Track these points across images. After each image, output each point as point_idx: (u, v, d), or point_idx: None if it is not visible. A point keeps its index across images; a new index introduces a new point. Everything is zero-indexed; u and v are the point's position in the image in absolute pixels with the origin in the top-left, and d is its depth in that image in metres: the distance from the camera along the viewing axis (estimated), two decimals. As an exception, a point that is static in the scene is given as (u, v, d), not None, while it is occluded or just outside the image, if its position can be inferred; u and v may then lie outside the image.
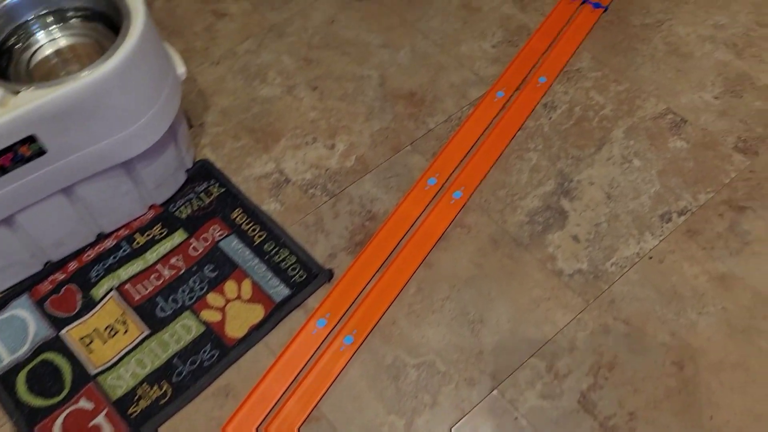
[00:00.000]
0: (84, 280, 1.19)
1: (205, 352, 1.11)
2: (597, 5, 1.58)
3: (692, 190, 1.28)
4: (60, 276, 1.19)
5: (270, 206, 1.29)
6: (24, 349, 1.12)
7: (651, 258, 1.21)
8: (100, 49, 1.13)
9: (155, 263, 1.21)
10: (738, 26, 1.53)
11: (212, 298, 1.17)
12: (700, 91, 1.43)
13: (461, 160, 1.34)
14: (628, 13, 1.58)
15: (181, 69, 1.21)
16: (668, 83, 1.45)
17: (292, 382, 1.09)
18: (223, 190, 1.30)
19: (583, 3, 1.60)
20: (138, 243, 1.23)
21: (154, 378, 1.09)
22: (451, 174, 1.32)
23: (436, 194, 1.30)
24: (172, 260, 1.22)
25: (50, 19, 1.15)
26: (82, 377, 1.09)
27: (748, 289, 1.16)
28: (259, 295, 1.17)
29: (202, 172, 1.33)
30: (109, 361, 1.11)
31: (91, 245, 1.23)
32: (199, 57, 1.52)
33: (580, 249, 1.22)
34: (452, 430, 1.05)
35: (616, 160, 1.33)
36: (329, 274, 1.20)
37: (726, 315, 1.14)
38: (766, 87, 1.43)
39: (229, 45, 1.54)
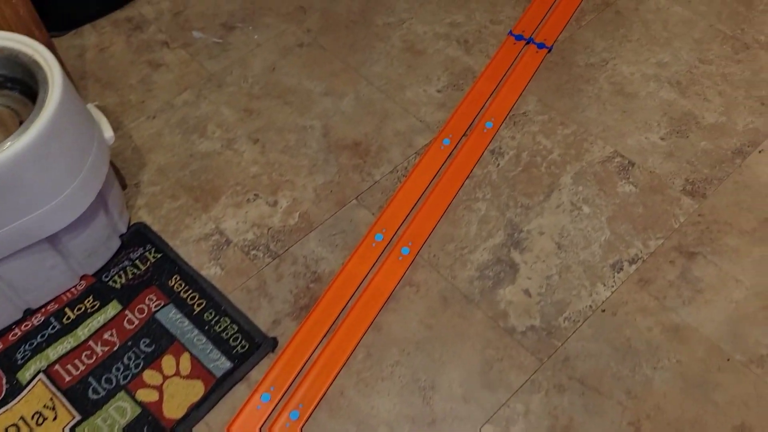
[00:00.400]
0: (9, 362, 1.11)
1: (140, 437, 1.05)
2: (541, 46, 1.57)
3: (642, 237, 1.27)
4: (-18, 360, 1.11)
5: (210, 271, 1.23)
6: (-58, 445, 1.04)
7: (604, 311, 1.18)
8: (17, 119, 1.06)
9: (87, 340, 1.14)
10: (681, 64, 1.53)
11: (149, 375, 1.11)
12: (647, 132, 1.42)
13: (408, 213, 1.30)
14: (572, 53, 1.56)
15: (108, 133, 1.15)
16: (615, 124, 1.43)
17: (234, 466, 1.03)
18: (159, 255, 1.24)
19: (527, 43, 1.58)
20: (68, 318, 1.16)
21: (85, 470, 1.02)
22: (398, 228, 1.28)
23: (384, 251, 1.26)
24: (106, 335, 1.15)
25: (-38, 87, 1.08)
26: (6, 473, 1.01)
27: (702, 341, 1.14)
28: (198, 370, 1.11)
29: (137, 237, 1.27)
30: (36, 453, 1.03)
31: (17, 323, 1.16)
32: (135, 111, 1.46)
33: (532, 304, 1.19)
34: None
35: (566, 207, 1.31)
36: (273, 343, 1.15)
37: (681, 369, 1.11)
38: (711, 126, 1.42)
39: (166, 97, 1.49)
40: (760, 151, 1.38)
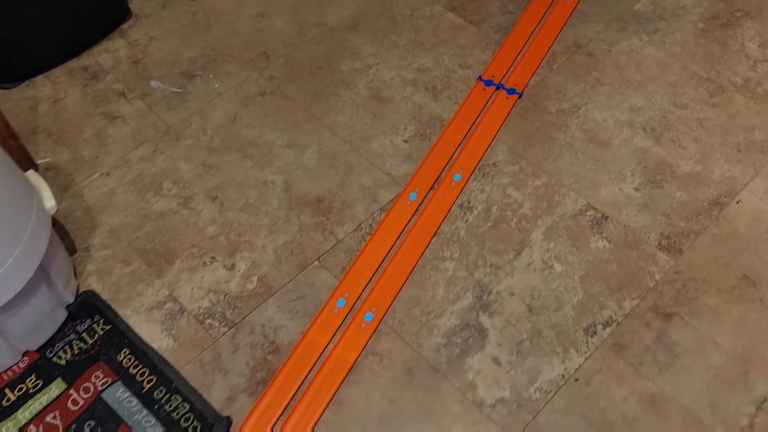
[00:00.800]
0: (-58, 452, 1.04)
1: None
2: (511, 91, 1.52)
3: (617, 297, 1.21)
4: None
5: (162, 343, 1.16)
6: None
7: (577, 380, 1.12)
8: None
9: (28, 423, 1.07)
10: (655, 108, 1.49)
11: (93, 463, 1.04)
12: (620, 182, 1.37)
13: (373, 275, 1.24)
14: (543, 98, 1.52)
15: (50, 203, 1.08)
16: (587, 175, 1.38)
17: None
18: (108, 327, 1.17)
19: (497, 89, 1.53)
20: (8, 400, 1.09)
21: None
22: (361, 292, 1.22)
23: (346, 317, 1.19)
24: (48, 418, 1.07)
25: None
26: None
27: (680, 411, 1.08)
28: (146, 455, 1.04)
29: (85, 307, 1.20)
30: None
31: (-47, 407, 1.08)
32: (87, 167, 1.40)
33: (502, 373, 1.13)
34: None
35: (537, 266, 1.25)
36: (227, 423, 1.08)
37: (658, 443, 1.06)
38: (687, 175, 1.38)
39: (121, 152, 1.42)
40: (737, 202, 1.33)
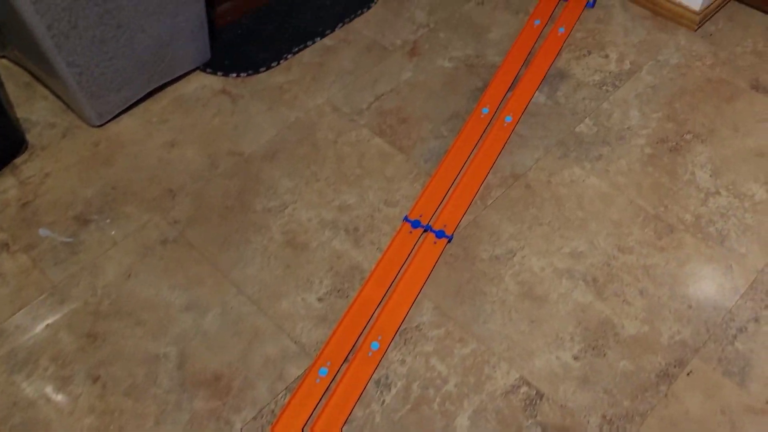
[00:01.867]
0: None
1: None
2: (440, 234, 1.37)
3: (551, 504, 1.05)
4: None
5: None
6: None
7: None
8: None
9: None
10: (598, 254, 1.35)
11: None
12: (558, 348, 1.22)
13: (270, 480, 1.07)
14: (475, 241, 1.37)
15: None
16: (521, 339, 1.23)
17: None
18: None
19: (425, 231, 1.39)
20: None
21: None
22: (255, 504, 1.05)
23: None
24: None
25: None
26: None
27: None
28: None
29: None
30: None
31: None
32: (-46, 341, 1.23)
33: None
34: None
35: (461, 463, 1.09)
36: None
37: None
38: (632, 339, 1.23)
39: (-4, 320, 1.26)
40: (688, 374, 1.18)
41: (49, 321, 1.26)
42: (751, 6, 1.82)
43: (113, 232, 1.38)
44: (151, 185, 1.46)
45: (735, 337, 1.23)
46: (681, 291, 1.29)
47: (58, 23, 1.31)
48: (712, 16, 1.80)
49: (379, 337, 1.23)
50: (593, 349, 1.22)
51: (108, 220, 1.40)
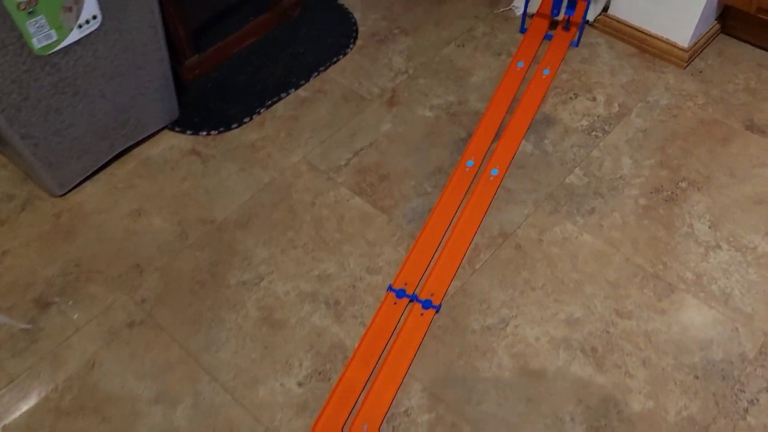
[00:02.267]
0: None
1: None
2: (427, 304, 1.28)
3: None
4: None
5: None
6: None
7: None
8: None
9: None
10: (595, 320, 1.26)
11: None
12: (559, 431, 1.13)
13: None
14: (464, 311, 1.28)
15: None
16: (518, 423, 1.14)
17: None
18: None
19: (410, 302, 1.30)
20: None
21: None
22: None
23: None
24: None
25: None
26: None
27: None
28: None
29: None
30: None
31: None
32: None
33: None
34: None
35: None
36: None
37: None
38: (637, 417, 1.14)
39: (-53, 423, 1.15)
40: (699, 456, 1.10)
41: (6, 422, 1.15)
42: (741, 40, 1.76)
43: (76, 316, 1.29)
44: (116, 260, 1.37)
45: (746, 410, 1.14)
46: (686, 359, 1.21)
47: (8, 96, 1.22)
48: (701, 51, 1.74)
49: (365, 426, 1.14)
50: (596, 430, 1.13)
51: (70, 302, 1.30)
